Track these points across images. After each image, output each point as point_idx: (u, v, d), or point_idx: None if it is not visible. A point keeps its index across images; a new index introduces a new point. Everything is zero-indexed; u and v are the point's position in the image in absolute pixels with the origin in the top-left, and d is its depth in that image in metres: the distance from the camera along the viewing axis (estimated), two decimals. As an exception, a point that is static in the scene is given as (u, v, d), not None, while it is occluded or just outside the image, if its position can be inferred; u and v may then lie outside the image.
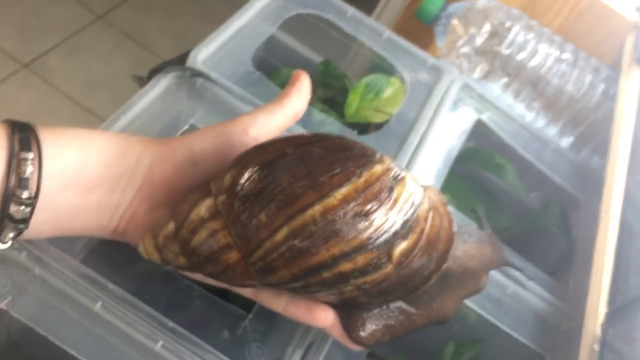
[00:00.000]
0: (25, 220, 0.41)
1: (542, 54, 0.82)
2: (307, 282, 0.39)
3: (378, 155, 0.41)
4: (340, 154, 0.39)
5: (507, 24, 0.82)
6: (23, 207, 0.40)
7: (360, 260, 0.38)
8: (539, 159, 0.81)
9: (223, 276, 0.42)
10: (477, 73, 0.86)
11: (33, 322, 0.47)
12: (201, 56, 0.66)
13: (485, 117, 0.81)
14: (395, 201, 0.39)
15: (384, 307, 0.47)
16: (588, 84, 0.82)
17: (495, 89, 0.86)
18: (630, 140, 0.77)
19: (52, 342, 0.50)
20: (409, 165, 0.70)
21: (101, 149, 0.44)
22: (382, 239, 0.39)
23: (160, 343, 0.47)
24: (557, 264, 0.81)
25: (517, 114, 0.83)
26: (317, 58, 0.89)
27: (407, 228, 0.40)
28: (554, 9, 0.87)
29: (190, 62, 0.65)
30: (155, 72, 0.65)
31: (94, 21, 2.06)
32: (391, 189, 0.39)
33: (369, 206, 0.38)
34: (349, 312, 0.46)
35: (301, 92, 0.50)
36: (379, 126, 0.79)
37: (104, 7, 2.10)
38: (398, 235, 0.39)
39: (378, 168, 0.39)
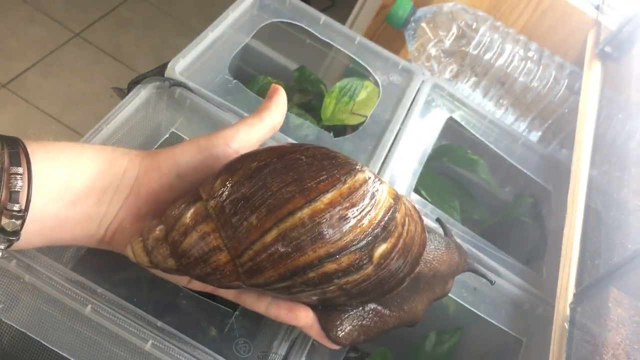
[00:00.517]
0: (16, 233, 0.42)
1: (508, 53, 0.86)
2: (293, 282, 0.42)
3: (359, 165, 0.44)
4: (326, 162, 0.42)
5: (474, 26, 0.86)
6: (14, 220, 0.42)
7: (344, 261, 0.41)
8: (510, 153, 0.84)
9: (211, 277, 0.43)
10: (447, 74, 0.89)
11: (26, 328, 0.48)
12: (179, 67, 0.68)
13: (456, 115, 0.84)
14: (376, 207, 0.42)
15: (360, 309, 0.49)
16: (553, 79, 0.85)
17: (465, 89, 0.89)
18: (593, 133, 0.80)
19: (43, 351, 0.51)
20: (385, 164, 0.73)
21: (88, 162, 0.46)
22: (364, 241, 0.41)
23: (150, 342, 0.49)
24: (532, 253, 0.84)
25: (487, 111, 0.86)
26: (292, 65, 0.92)
27: (386, 232, 0.42)
28: (518, 9, 0.90)
29: (168, 72, 0.67)
30: (134, 83, 0.67)
31: (71, 39, 2.07)
32: (373, 196, 0.42)
33: (353, 210, 0.41)
34: (328, 312, 0.48)
35: (279, 105, 0.52)
36: (354, 128, 0.82)
37: (80, 25, 2.11)
38: (379, 238, 0.42)
39: (360, 176, 0.42)
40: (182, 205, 0.45)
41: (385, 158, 0.73)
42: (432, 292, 0.55)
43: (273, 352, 0.53)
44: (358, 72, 0.85)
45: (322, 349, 0.57)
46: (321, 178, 0.41)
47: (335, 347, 0.49)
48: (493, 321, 0.66)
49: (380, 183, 0.44)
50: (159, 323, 0.51)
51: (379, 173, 0.71)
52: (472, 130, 0.83)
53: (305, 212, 0.40)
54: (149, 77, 0.66)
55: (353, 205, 0.41)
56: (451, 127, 0.85)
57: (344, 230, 0.40)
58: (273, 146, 0.45)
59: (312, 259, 0.40)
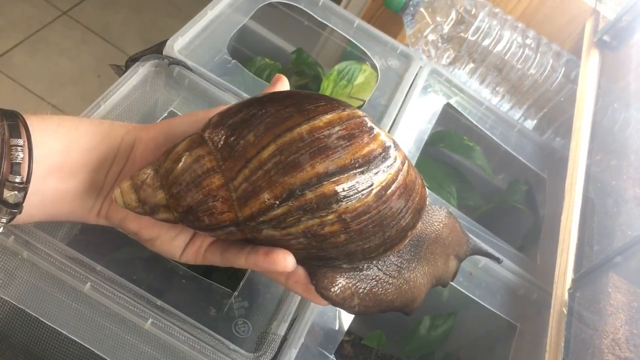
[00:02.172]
0: (18, 205, 0.42)
1: (506, 39, 0.85)
2: (289, 207, 0.39)
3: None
4: (325, 96, 0.42)
5: (473, 12, 0.85)
6: (16, 192, 0.41)
7: (343, 182, 0.39)
8: (505, 140, 0.84)
9: (203, 207, 0.41)
10: (445, 59, 0.89)
11: (23, 304, 0.48)
12: (177, 45, 0.67)
13: (453, 101, 0.84)
14: (376, 137, 0.40)
15: (357, 269, 0.46)
16: (550, 67, 0.86)
17: (462, 75, 0.89)
18: (590, 121, 0.81)
19: (39, 329, 0.51)
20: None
21: (86, 134, 0.46)
22: (364, 164, 0.39)
23: (149, 321, 0.49)
24: (525, 239, 0.84)
25: (484, 98, 0.86)
26: (289, 47, 0.91)
27: (386, 163, 0.41)
28: (516, -4, 0.90)
29: (167, 51, 0.66)
30: (133, 60, 0.66)
31: (58, 17, 2.03)
32: (371, 129, 0.41)
33: (352, 133, 0.39)
34: (319, 266, 0.44)
35: (280, 85, 0.52)
36: (351, 112, 0.81)
37: (68, 3, 2.08)
38: (379, 167, 0.40)
39: (359, 112, 0.42)
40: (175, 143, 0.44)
41: (383, 142, 0.73)
42: (433, 265, 0.51)
43: (272, 333, 0.53)
44: (355, 55, 0.84)
45: (320, 330, 0.57)
46: (320, 103, 0.40)
47: (323, 302, 0.44)
48: (488, 306, 0.66)
49: (377, 124, 0.43)
50: (159, 302, 0.50)
51: (377, 157, 0.71)
52: (468, 117, 0.83)
53: (304, 127, 0.39)
54: (148, 54, 0.65)
55: (352, 129, 0.40)
56: (447, 113, 0.85)
57: (344, 149, 0.39)
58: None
59: (310, 176, 0.38)
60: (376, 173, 0.40)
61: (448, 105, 0.83)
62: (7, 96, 1.81)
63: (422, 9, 0.88)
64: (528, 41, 0.87)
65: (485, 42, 0.86)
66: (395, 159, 0.41)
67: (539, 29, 0.90)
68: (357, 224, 0.41)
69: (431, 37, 0.88)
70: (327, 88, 0.79)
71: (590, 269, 0.54)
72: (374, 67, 0.82)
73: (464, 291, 0.66)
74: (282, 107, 0.40)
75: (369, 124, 0.41)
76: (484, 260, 0.68)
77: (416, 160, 0.76)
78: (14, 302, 0.48)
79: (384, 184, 0.41)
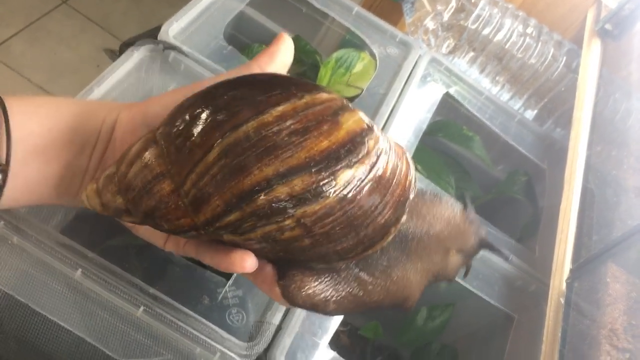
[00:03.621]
0: (0, 188, 0.41)
1: (506, 28, 0.84)
2: (242, 213, 0.35)
3: (328, 88, 0.38)
4: (285, 80, 0.37)
5: (473, 0, 0.84)
6: None
7: (297, 184, 0.34)
8: (505, 130, 0.83)
9: (158, 213, 0.38)
10: (445, 48, 0.88)
11: (13, 290, 0.47)
12: (172, 30, 0.66)
13: (452, 90, 0.83)
14: (339, 125, 0.35)
15: (334, 272, 0.41)
16: (551, 57, 0.85)
17: (462, 64, 0.88)
18: (591, 112, 0.80)
19: (28, 315, 0.50)
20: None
21: (68, 115, 0.44)
22: (322, 163, 0.34)
23: (141, 309, 0.48)
24: (524, 231, 0.84)
25: (484, 88, 0.85)
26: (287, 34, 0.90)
27: (352, 156, 0.35)
28: (517, -16, 0.89)
29: (161, 36, 0.65)
30: (127, 45, 0.65)
31: (58, 6, 2.02)
32: (336, 114, 0.35)
33: (307, 125, 0.34)
34: (289, 266, 0.40)
35: (277, 57, 0.47)
36: (350, 100, 0.80)
37: (67, -8, 2.07)
38: (342, 162, 0.35)
39: (324, 95, 0.36)
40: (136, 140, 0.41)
41: (382, 130, 0.72)
42: (428, 261, 0.45)
43: (266, 322, 0.52)
44: (354, 43, 0.83)
45: (317, 319, 0.57)
46: (274, 92, 0.35)
47: (285, 303, 0.41)
48: (485, 297, 0.66)
49: (351, 107, 0.37)
50: (151, 290, 0.50)
51: (374, 145, 0.70)
52: (467, 106, 0.82)
53: (251, 124, 0.34)
54: (142, 39, 0.64)
55: (308, 121, 0.34)
56: (447, 103, 0.84)
57: (296, 146, 0.34)
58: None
59: (258, 180, 0.34)
60: (338, 170, 0.35)
61: (447, 94, 0.82)
62: (6, 85, 1.80)
63: (422, -3, 0.87)
64: (529, 30, 0.86)
65: (486, 31, 0.85)
66: (366, 150, 0.36)
67: (540, 18, 0.89)
68: (321, 227, 0.36)
69: (431, 25, 0.87)
70: (324, 76, 0.78)
71: (588, 259, 0.53)
72: (372, 55, 0.81)
73: (461, 282, 0.66)
74: (232, 100, 0.35)
75: (333, 110, 0.35)
76: (481, 251, 0.67)
77: (414, 150, 0.75)
78: (3, 289, 0.47)
79: (348, 181, 0.35)
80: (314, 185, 0.34)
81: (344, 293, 0.41)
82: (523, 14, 0.87)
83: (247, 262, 0.39)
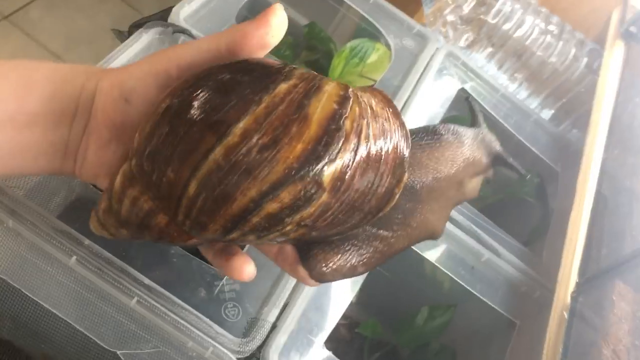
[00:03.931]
0: None
1: (528, 25, 0.82)
2: (242, 232, 0.35)
3: (287, 69, 0.34)
4: (235, 83, 0.34)
5: (495, -7, 0.82)
6: None
7: (285, 196, 0.33)
8: (519, 129, 0.81)
9: (165, 240, 0.38)
10: (463, 42, 0.86)
11: (6, 274, 0.47)
12: (183, 12, 0.65)
13: (468, 86, 0.81)
14: (309, 119, 0.33)
15: (353, 238, 0.40)
16: (572, 57, 0.82)
17: (480, 59, 0.86)
18: (609, 115, 0.78)
19: (20, 301, 0.50)
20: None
21: (43, 81, 0.41)
22: (302, 168, 0.33)
23: (135, 299, 0.47)
24: (533, 233, 0.82)
25: (500, 85, 0.83)
26: (302, 20, 0.88)
27: (332, 148, 0.33)
28: (542, -21, 0.87)
29: (172, 18, 0.64)
30: (136, 26, 0.63)
31: (77, -26, 2.01)
32: (301, 106, 0.33)
33: (275, 134, 0.32)
34: (308, 247, 0.39)
35: (249, 42, 0.40)
36: (362, 91, 0.79)
37: (87, -40, 2.05)
38: (322, 159, 0.33)
39: (283, 87, 0.33)
40: (118, 167, 0.39)
41: (392, 125, 0.70)
42: (444, 199, 0.44)
43: (262, 319, 0.51)
44: (370, 32, 0.81)
45: (314, 316, 0.56)
46: (231, 104, 0.33)
47: (312, 283, 0.41)
48: (488, 301, 0.65)
49: (316, 86, 0.34)
50: (147, 280, 0.49)
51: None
52: (482, 103, 0.80)
53: (218, 151, 0.32)
54: (152, 21, 0.63)
55: (275, 128, 0.32)
56: (461, 98, 0.82)
57: (270, 162, 0.32)
58: (188, 76, 0.37)
59: (245, 204, 0.33)
60: (321, 169, 0.33)
61: (462, 90, 0.80)
62: (21, 51, 1.79)
63: (442, -12, 0.85)
64: (551, 27, 0.83)
65: (506, 26, 0.82)
66: (344, 134, 0.33)
67: (563, 16, 0.86)
68: (323, 221, 0.35)
69: (450, 17, 0.85)
70: (337, 66, 0.77)
71: (595, 274, 0.52)
72: (388, 46, 0.79)
73: (464, 285, 0.64)
74: (190, 125, 0.33)
75: (297, 103, 0.33)
76: (487, 254, 0.66)
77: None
78: (-4, 273, 0.47)
79: (335, 175, 0.34)
80: (302, 193, 0.33)
81: (368, 254, 0.41)
82: (546, 10, 0.85)
83: (246, 270, 0.39)
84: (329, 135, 0.33)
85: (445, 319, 0.70)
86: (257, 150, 0.32)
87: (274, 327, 0.51)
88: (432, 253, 0.66)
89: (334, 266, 0.40)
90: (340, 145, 0.33)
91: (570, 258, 0.57)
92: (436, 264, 0.65)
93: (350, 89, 0.35)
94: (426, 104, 0.76)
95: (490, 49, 0.84)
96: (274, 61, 0.36)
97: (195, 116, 0.33)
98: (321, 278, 0.40)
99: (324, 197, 0.34)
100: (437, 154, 0.43)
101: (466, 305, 0.71)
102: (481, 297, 0.64)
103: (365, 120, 0.34)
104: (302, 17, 0.88)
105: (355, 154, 0.34)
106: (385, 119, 0.36)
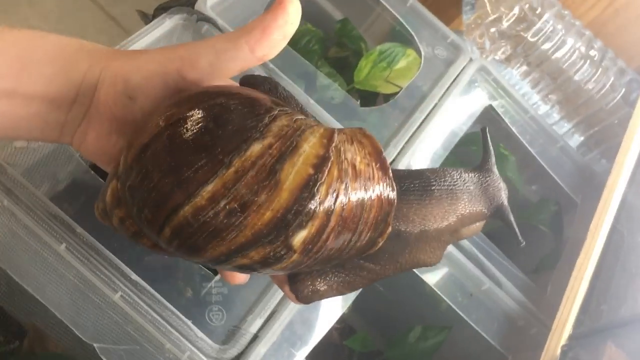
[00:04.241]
0: None
1: (568, 47, 0.79)
2: (224, 267, 0.35)
3: (263, 124, 0.33)
4: (208, 138, 0.32)
5: (538, 10, 0.79)
6: None
7: (255, 255, 0.33)
8: (544, 154, 0.79)
9: (155, 251, 0.38)
10: (499, 54, 0.83)
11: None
12: (210, 0, 0.64)
13: (496, 103, 0.78)
14: (279, 187, 0.32)
15: (340, 267, 0.40)
16: (609, 86, 0.79)
17: (514, 75, 0.83)
18: (638, 152, 0.75)
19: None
20: (408, 144, 0.68)
21: (42, 61, 0.40)
22: (270, 234, 0.32)
23: (119, 294, 0.47)
24: (543, 262, 0.80)
25: (530, 105, 0.80)
26: (336, 14, 0.86)
27: (303, 215, 0.32)
28: (591, 1, 0.83)
29: (198, 5, 0.63)
30: (162, 9, 0.63)
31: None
32: (273, 172, 0.32)
33: (243, 200, 0.32)
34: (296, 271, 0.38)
35: (270, 35, 0.38)
36: (386, 97, 0.77)
37: None
38: (292, 226, 0.32)
39: (256, 148, 0.32)
40: (110, 175, 0.39)
41: (409, 138, 0.69)
42: (436, 242, 0.43)
43: (245, 328, 0.51)
44: (403, 36, 0.79)
45: (300, 328, 0.55)
46: (200, 163, 0.32)
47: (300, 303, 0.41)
48: (482, 332, 0.63)
49: (292, 147, 0.33)
50: (133, 275, 0.49)
51: (399, 153, 0.67)
52: (509, 123, 0.78)
53: (187, 210, 0.32)
54: (178, 6, 0.61)
55: (243, 196, 0.31)
56: (488, 114, 0.79)
57: (238, 227, 0.32)
58: (172, 104, 0.36)
59: (216, 256, 0.33)
60: (290, 235, 0.32)
61: (490, 107, 0.78)
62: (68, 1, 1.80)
63: (485, -3, 0.82)
64: (592, 53, 0.80)
65: (545, 46, 0.79)
66: (318, 200, 0.32)
67: (608, 41, 0.83)
68: (298, 269, 0.35)
69: (489, 29, 0.82)
70: (364, 68, 0.75)
71: (588, 331, 0.50)
72: (418, 53, 0.77)
73: (461, 314, 0.63)
74: (163, 176, 0.32)
75: (269, 168, 0.32)
76: (488, 283, 0.64)
77: (443, 161, 0.72)
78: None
79: (306, 240, 0.33)
80: (271, 254, 0.33)
81: (355, 281, 0.41)
82: (589, 33, 0.81)
83: (238, 275, 0.41)
84: (300, 203, 0.32)
85: (438, 340, 0.69)
86: (224, 214, 0.31)
87: (255, 337, 0.51)
88: (432, 276, 0.65)
89: (320, 290, 0.40)
90: (311, 211, 0.32)
91: (569, 307, 0.55)
92: (434, 288, 0.64)
93: (334, 144, 0.33)
94: (450, 117, 0.74)
95: (525, 68, 0.81)
96: (259, 101, 0.34)
97: (167, 167, 0.32)
98: (307, 301, 0.40)
99: (295, 257, 0.33)
100: (425, 211, 0.40)
101: (462, 329, 0.69)
102: (476, 328, 0.63)
103: (344, 183, 0.33)
104: (336, 10, 0.86)
105: (329, 219, 0.33)
106: (369, 178, 0.34)
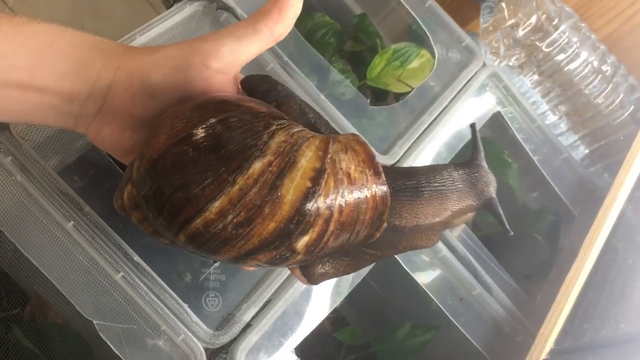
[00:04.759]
0: None
1: (581, 60, 0.79)
2: (234, 264, 0.41)
3: (262, 142, 0.35)
4: (213, 156, 0.35)
5: (555, 21, 0.79)
6: None
7: (262, 257, 0.37)
8: (546, 164, 0.80)
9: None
10: (512, 61, 0.84)
11: (5, 226, 0.48)
12: (231, -11, 0.64)
13: (505, 110, 0.79)
14: (281, 201, 0.35)
15: (344, 254, 0.43)
16: (618, 102, 0.80)
17: (525, 83, 0.84)
18: (638, 174, 0.75)
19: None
20: (415, 145, 0.69)
21: (58, 57, 0.41)
22: (275, 241, 0.36)
23: (120, 274, 0.49)
24: (537, 268, 0.81)
25: (538, 114, 0.81)
26: (355, 7, 0.87)
27: (304, 224, 0.35)
28: (608, 15, 0.83)
29: (219, -7, 0.64)
30: (183, -6, 0.63)
31: None
32: (274, 188, 0.34)
33: (249, 214, 0.35)
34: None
35: (286, 14, 0.42)
36: (397, 96, 0.78)
37: None
38: (294, 233, 0.36)
39: (257, 166, 0.35)
40: (125, 177, 0.42)
41: (416, 139, 0.70)
42: (430, 231, 0.46)
43: (238, 316, 0.53)
44: (418, 36, 0.80)
45: (294, 318, 0.57)
46: (207, 182, 0.34)
47: (308, 284, 0.44)
48: (468, 336, 0.65)
49: (290, 163, 0.35)
50: (136, 257, 0.50)
51: (405, 154, 0.68)
52: (515, 131, 0.79)
53: (199, 222, 0.35)
54: (199, -8, 0.62)
55: (248, 210, 0.34)
56: (495, 121, 0.80)
57: (245, 237, 0.35)
58: (182, 117, 0.37)
59: (228, 258, 0.37)
60: (293, 241, 0.36)
61: (498, 113, 0.79)
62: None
63: (503, 3, 0.82)
64: (605, 67, 0.80)
65: (559, 57, 0.80)
66: (316, 209, 0.35)
67: (621, 56, 0.83)
68: (305, 262, 0.39)
69: (504, 34, 0.82)
70: (377, 65, 0.76)
71: (569, 348, 0.52)
72: (433, 54, 0.78)
73: (449, 316, 0.65)
74: (174, 191, 0.35)
75: (269, 183, 0.34)
76: (479, 289, 0.66)
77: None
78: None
79: (308, 243, 0.36)
80: (277, 256, 0.37)
81: (359, 264, 0.44)
82: (604, 47, 0.82)
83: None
84: (301, 214, 0.35)
85: (425, 338, 0.71)
86: (232, 227, 0.35)
87: (248, 325, 0.53)
88: (424, 276, 0.66)
89: (329, 272, 0.43)
90: (312, 220, 0.35)
91: (553, 322, 0.57)
92: (425, 289, 0.65)
93: (329, 155, 0.36)
94: (458, 121, 0.75)
95: (537, 77, 0.82)
96: (257, 116, 0.37)
97: (177, 183, 0.35)
98: (316, 282, 0.43)
99: (299, 257, 0.37)
100: (417, 210, 0.43)
101: (449, 330, 0.71)
102: (463, 332, 0.65)
103: (340, 191, 0.36)
104: (355, 4, 0.87)
105: (328, 225, 0.36)
106: (363, 184, 0.37)
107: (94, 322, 0.48)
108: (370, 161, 0.38)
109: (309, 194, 0.35)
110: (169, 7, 0.62)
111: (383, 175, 0.38)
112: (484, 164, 0.50)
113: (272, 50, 0.64)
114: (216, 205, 0.34)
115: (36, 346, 0.56)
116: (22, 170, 0.49)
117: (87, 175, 0.56)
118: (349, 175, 0.37)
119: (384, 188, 0.38)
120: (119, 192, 0.43)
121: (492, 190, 0.49)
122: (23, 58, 0.39)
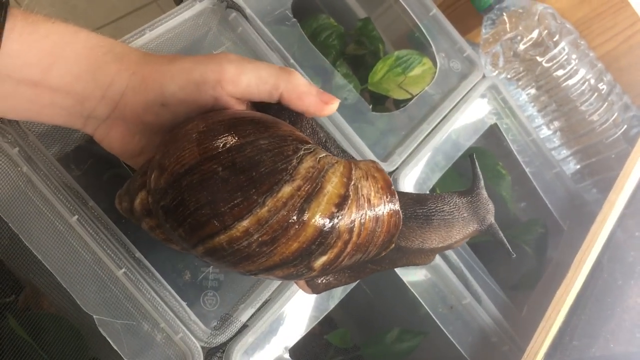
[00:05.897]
0: None
1: (578, 77, 0.81)
2: (248, 275, 0.41)
3: (292, 166, 0.36)
4: (243, 177, 0.36)
5: (555, 38, 0.80)
6: None
7: (279, 273, 0.38)
8: (538, 177, 0.81)
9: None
10: (511, 74, 0.85)
11: (7, 216, 0.48)
12: (242, -11, 0.64)
13: (502, 123, 0.80)
14: (306, 224, 0.36)
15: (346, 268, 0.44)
16: (612, 121, 0.81)
17: (522, 96, 0.85)
18: (632, 187, 0.77)
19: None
20: (413, 153, 0.70)
21: (72, 58, 0.41)
22: (295, 260, 0.37)
23: (122, 270, 0.49)
24: (524, 279, 0.83)
25: (533, 128, 0.82)
26: (359, 11, 0.87)
27: (324, 246, 0.37)
28: (607, 34, 0.84)
29: (229, -9, 0.64)
30: (193, -9, 0.63)
31: None
32: (302, 211, 0.36)
33: (274, 235, 0.36)
34: None
35: (321, 108, 0.44)
36: (397, 103, 0.78)
37: None
38: (315, 253, 0.37)
39: (286, 190, 0.36)
40: (136, 183, 0.43)
41: (415, 148, 0.71)
42: (430, 251, 0.48)
43: (235, 316, 0.53)
44: (420, 43, 0.80)
45: (292, 318, 0.58)
46: (236, 202, 0.35)
47: (310, 293, 0.46)
48: (456, 344, 0.66)
49: (317, 189, 0.37)
50: (137, 254, 0.51)
51: (402, 163, 0.69)
52: (510, 143, 0.80)
53: (223, 238, 0.36)
54: (209, -10, 0.62)
55: (274, 230, 0.35)
56: (492, 132, 0.81)
57: (267, 254, 0.36)
58: (206, 129, 0.38)
59: (245, 271, 0.38)
60: (312, 260, 0.37)
61: (495, 125, 0.80)
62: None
63: (505, 16, 0.83)
64: (601, 86, 0.82)
65: (558, 73, 0.81)
66: (337, 232, 0.37)
67: (617, 75, 0.84)
68: (319, 276, 0.41)
69: (505, 46, 0.83)
70: (380, 71, 0.76)
71: (559, 365, 0.53)
72: (434, 62, 0.78)
73: (438, 322, 0.66)
74: (199, 207, 0.36)
75: (297, 207, 0.36)
76: (469, 298, 0.67)
77: (443, 173, 0.74)
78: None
79: (325, 262, 0.38)
80: (294, 272, 0.38)
81: (359, 276, 0.46)
82: (601, 66, 0.83)
83: None
84: (323, 236, 0.37)
85: (413, 344, 0.72)
86: (256, 244, 0.36)
87: (245, 326, 0.53)
88: (417, 282, 0.67)
89: (332, 283, 0.45)
90: (332, 242, 0.37)
91: (542, 337, 0.58)
92: (417, 295, 0.66)
93: (353, 182, 0.38)
94: (457, 131, 0.76)
95: (534, 91, 0.83)
96: (286, 140, 0.38)
97: (203, 200, 0.36)
98: (319, 292, 0.46)
99: (314, 274, 0.39)
100: (424, 236, 0.46)
101: (437, 337, 0.72)
102: (450, 339, 0.66)
103: (360, 215, 0.38)
104: (360, 7, 0.87)
105: (346, 246, 0.38)
106: (380, 209, 0.40)
107: (94, 316, 0.48)
108: (388, 188, 0.40)
109: (333, 218, 0.37)
110: (178, 3, 0.62)
111: (398, 202, 0.41)
112: (484, 192, 0.52)
113: (277, 51, 0.64)
114: (244, 224, 0.35)
115: (30, 335, 0.56)
116: (29, 161, 0.49)
117: (85, 164, 0.56)
118: (369, 201, 0.39)
119: (399, 214, 0.41)
120: (125, 194, 0.43)
121: (492, 216, 0.52)
122: (37, 56, 0.39)
